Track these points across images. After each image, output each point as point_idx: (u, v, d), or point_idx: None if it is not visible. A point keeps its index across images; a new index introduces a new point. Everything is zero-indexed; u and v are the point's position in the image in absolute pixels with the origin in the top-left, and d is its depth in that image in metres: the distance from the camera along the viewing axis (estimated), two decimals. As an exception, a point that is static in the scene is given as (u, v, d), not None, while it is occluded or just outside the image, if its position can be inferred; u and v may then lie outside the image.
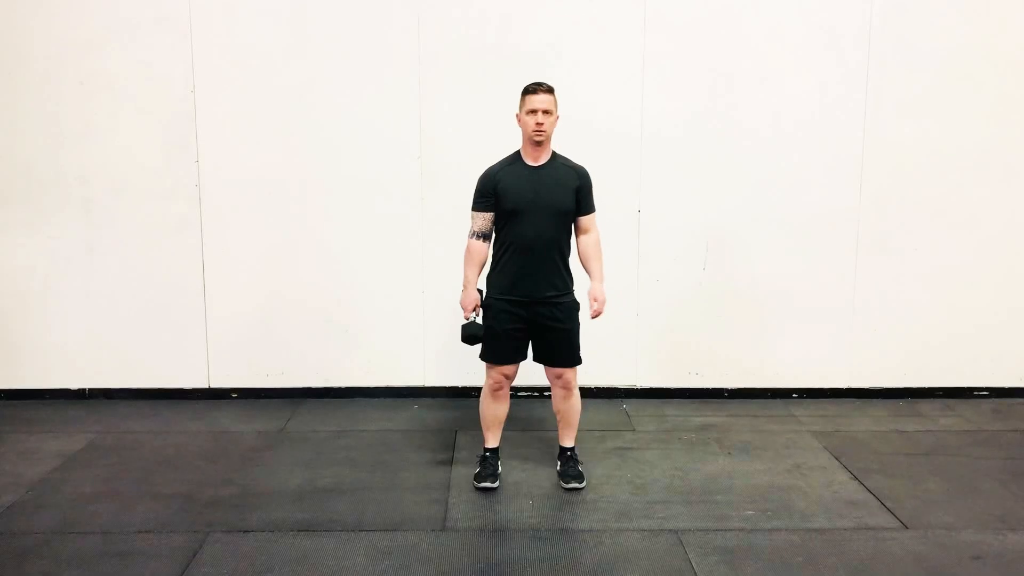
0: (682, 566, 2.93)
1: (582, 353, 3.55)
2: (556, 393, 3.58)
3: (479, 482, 3.53)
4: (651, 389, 4.70)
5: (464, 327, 3.45)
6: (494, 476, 3.56)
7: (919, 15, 4.43)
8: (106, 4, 4.37)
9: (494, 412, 3.60)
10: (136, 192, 4.50)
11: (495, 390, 3.54)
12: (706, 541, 3.10)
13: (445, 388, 4.70)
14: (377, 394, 4.69)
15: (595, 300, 3.46)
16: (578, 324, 3.51)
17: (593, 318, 3.50)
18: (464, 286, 3.49)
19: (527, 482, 3.60)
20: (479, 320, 3.47)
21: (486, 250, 3.49)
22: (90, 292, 4.56)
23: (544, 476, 3.66)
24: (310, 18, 4.40)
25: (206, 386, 4.68)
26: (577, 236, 3.52)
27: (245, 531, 3.17)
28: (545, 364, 3.53)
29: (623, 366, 4.68)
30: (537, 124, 3.32)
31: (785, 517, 3.30)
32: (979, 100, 4.49)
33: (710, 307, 4.63)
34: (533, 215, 3.38)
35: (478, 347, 3.51)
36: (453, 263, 4.53)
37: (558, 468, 3.65)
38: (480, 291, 3.51)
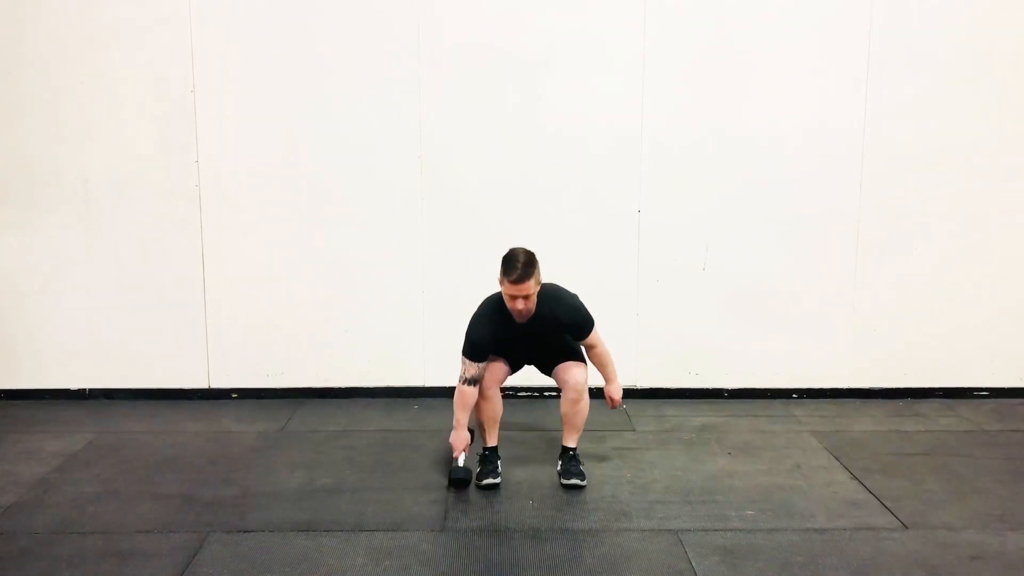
0: (682, 566, 2.93)
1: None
2: (566, 396, 3.58)
3: (481, 480, 3.54)
4: (651, 389, 4.70)
5: (453, 470, 3.52)
6: (495, 473, 3.57)
7: (919, 15, 4.43)
8: (106, 4, 4.37)
9: (489, 412, 3.61)
10: (136, 192, 4.50)
11: (485, 389, 3.55)
12: (706, 541, 3.10)
13: (445, 388, 4.68)
14: (377, 394, 4.69)
15: (611, 399, 3.69)
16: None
17: (611, 408, 3.73)
18: (455, 427, 3.54)
19: (527, 482, 3.60)
20: (467, 462, 3.55)
21: (476, 394, 3.52)
22: (90, 292, 4.56)
23: (544, 476, 3.66)
24: (310, 18, 4.40)
25: (206, 386, 4.68)
26: (585, 351, 3.61)
27: (245, 531, 3.17)
28: (553, 368, 3.60)
29: (623, 366, 4.64)
30: (518, 311, 3.36)
31: (785, 517, 3.30)
32: (979, 100, 4.49)
33: (710, 307, 4.63)
34: (528, 352, 3.64)
35: (470, 485, 3.55)
36: (453, 263, 4.55)
37: (559, 467, 3.65)
38: (471, 431, 3.57)
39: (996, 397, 4.71)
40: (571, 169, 4.50)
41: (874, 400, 4.67)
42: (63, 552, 3.01)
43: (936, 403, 4.64)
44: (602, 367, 3.63)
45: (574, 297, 3.52)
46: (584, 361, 3.60)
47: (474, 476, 3.57)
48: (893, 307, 4.63)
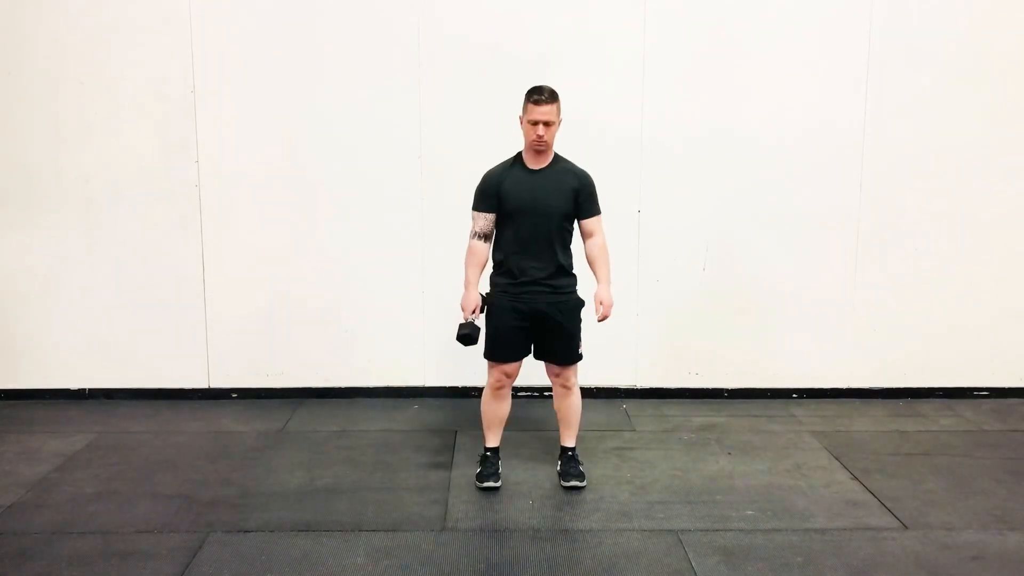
0: (682, 566, 2.93)
1: (583, 352, 3.56)
2: (556, 391, 3.59)
3: (481, 482, 3.53)
4: (651, 389, 4.70)
5: (461, 326, 3.40)
6: (496, 476, 3.56)
7: (919, 15, 4.43)
8: (106, 4, 4.37)
9: (495, 411, 3.60)
10: (136, 192, 4.50)
11: (497, 389, 3.54)
12: (706, 541, 3.10)
13: (445, 388, 4.70)
14: (377, 394, 4.69)
15: (600, 304, 3.44)
16: (580, 323, 3.52)
17: (600, 321, 3.47)
18: (465, 286, 3.48)
19: (527, 482, 3.60)
20: (478, 322, 3.45)
21: (487, 250, 3.49)
22: (90, 292, 4.56)
23: (544, 476, 3.66)
24: (310, 18, 4.40)
25: (206, 386, 4.68)
26: (583, 240, 3.51)
27: (245, 531, 3.17)
28: (544, 360, 3.55)
29: (623, 366, 4.68)
30: (538, 136, 3.32)
31: (785, 517, 3.30)
32: (979, 100, 4.49)
33: (710, 307, 4.63)
34: (532, 217, 3.39)
35: (478, 347, 3.49)
36: (453, 263, 4.53)
37: (558, 468, 3.65)
38: (481, 294, 3.49)
39: (996, 397, 4.72)
40: (571, 169, 4.50)
41: (874, 400, 4.68)
42: (63, 552, 3.01)
43: (936, 403, 4.65)
44: (596, 264, 3.47)
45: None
46: (576, 360, 3.53)
47: (477, 476, 3.57)
48: (893, 307, 4.64)
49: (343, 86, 4.45)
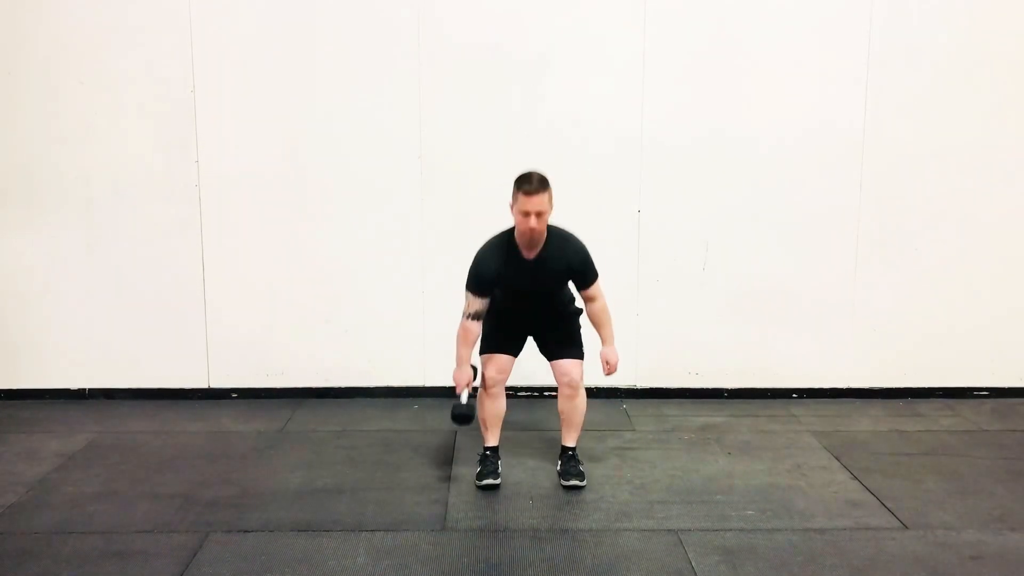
0: (682, 566, 2.93)
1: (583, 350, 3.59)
2: (562, 392, 3.59)
3: (481, 480, 3.54)
4: (651, 389, 4.70)
5: (455, 406, 3.47)
6: (495, 474, 3.56)
7: (919, 15, 4.43)
8: (106, 4, 4.37)
9: (492, 411, 3.61)
10: (136, 192, 4.50)
11: (490, 387, 3.56)
12: (706, 541, 3.10)
13: (445, 388, 4.67)
14: (377, 394, 4.69)
15: (607, 363, 3.54)
16: (578, 325, 3.59)
17: (606, 375, 3.59)
18: (458, 363, 3.49)
19: (527, 482, 3.60)
20: (470, 399, 3.49)
21: (480, 329, 3.49)
22: (90, 292, 4.56)
23: (544, 476, 3.66)
24: (310, 18, 4.40)
25: (206, 386, 4.68)
26: (584, 304, 3.56)
27: (245, 531, 3.17)
28: (551, 358, 3.57)
29: (623, 366, 4.63)
30: (531, 228, 3.31)
31: (785, 517, 3.30)
32: (978, 100, 4.49)
33: (710, 307, 4.63)
34: (529, 297, 3.52)
35: (472, 423, 3.52)
36: (453, 263, 4.53)
37: (558, 467, 3.65)
38: (474, 367, 3.53)
39: (996, 397, 4.71)
40: (571, 169, 4.50)
41: (874, 400, 4.68)
42: (63, 552, 3.01)
43: (936, 403, 4.64)
44: (600, 325, 3.55)
45: (583, 243, 3.49)
46: (582, 357, 3.58)
47: (477, 476, 3.57)
48: (893, 307, 4.64)
49: (343, 86, 4.45)
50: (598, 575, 2.88)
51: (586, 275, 3.47)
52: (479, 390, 3.60)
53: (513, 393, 4.53)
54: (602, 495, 3.48)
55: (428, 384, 4.69)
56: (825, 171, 4.53)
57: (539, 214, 3.29)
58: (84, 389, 4.67)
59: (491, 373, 3.54)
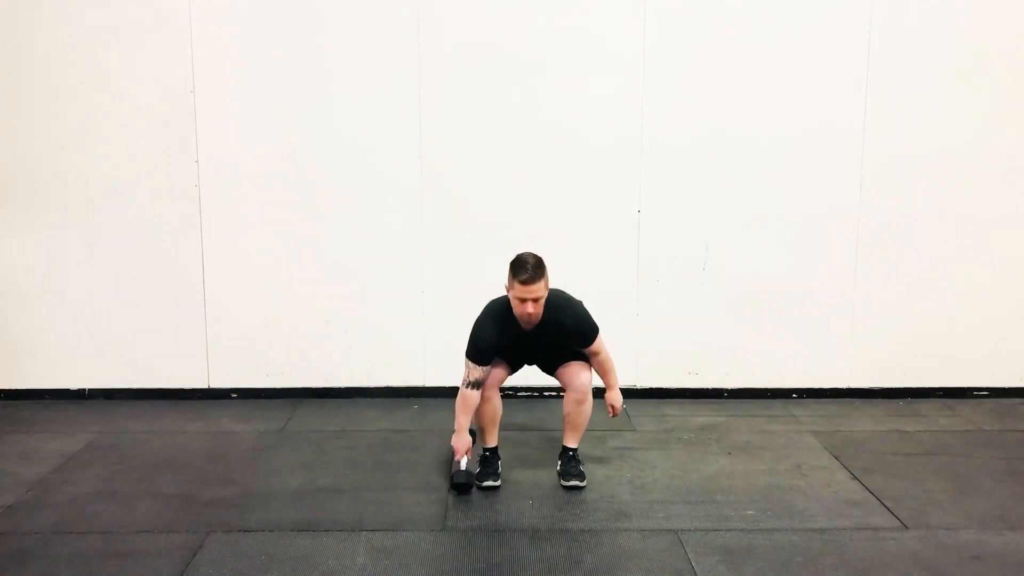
0: (682, 566, 2.93)
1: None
2: (571, 396, 3.58)
3: (481, 481, 3.54)
4: (651, 389, 4.70)
5: (455, 475, 3.48)
6: (496, 474, 3.56)
7: (919, 15, 4.43)
8: (106, 4, 4.37)
9: (485, 412, 3.59)
10: (136, 192, 4.50)
11: (484, 389, 3.53)
12: (706, 541, 3.10)
13: (445, 388, 4.69)
14: (377, 394, 4.69)
15: (612, 407, 3.66)
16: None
17: (612, 417, 3.71)
18: (457, 430, 3.50)
19: (527, 482, 3.60)
20: (469, 465, 3.50)
21: (479, 397, 3.49)
22: (90, 292, 4.56)
23: (544, 476, 3.66)
24: (310, 19, 4.40)
25: (206, 386, 4.68)
26: (589, 358, 3.59)
27: (245, 531, 3.17)
28: (557, 370, 3.61)
29: (623, 366, 4.63)
30: (528, 315, 3.33)
31: (785, 517, 3.30)
32: (979, 100, 4.49)
33: (710, 307, 4.63)
34: (530, 361, 3.67)
35: (471, 491, 3.53)
36: (453, 263, 4.55)
37: (559, 467, 3.65)
38: (472, 433, 3.54)
39: (996, 397, 4.71)
40: (571, 169, 4.50)
41: (874, 400, 4.67)
42: (63, 552, 3.01)
43: (936, 403, 4.64)
44: (604, 374, 3.63)
45: (580, 305, 3.51)
46: (588, 361, 3.59)
47: (475, 477, 3.57)
48: (893, 307, 4.63)
49: (343, 86, 4.44)
50: (598, 575, 2.88)
51: (586, 337, 3.50)
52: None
53: (513, 393, 4.53)
54: (602, 495, 3.48)
55: (428, 384, 4.69)
56: (825, 171, 4.53)
57: (536, 300, 3.31)
58: (84, 389, 4.67)
59: (480, 375, 3.47)
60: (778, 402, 4.65)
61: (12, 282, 4.56)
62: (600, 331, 3.52)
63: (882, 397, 4.70)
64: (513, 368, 3.67)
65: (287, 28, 4.41)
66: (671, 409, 4.53)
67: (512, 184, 4.51)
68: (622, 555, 3.01)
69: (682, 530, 3.18)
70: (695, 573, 2.88)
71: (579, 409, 3.58)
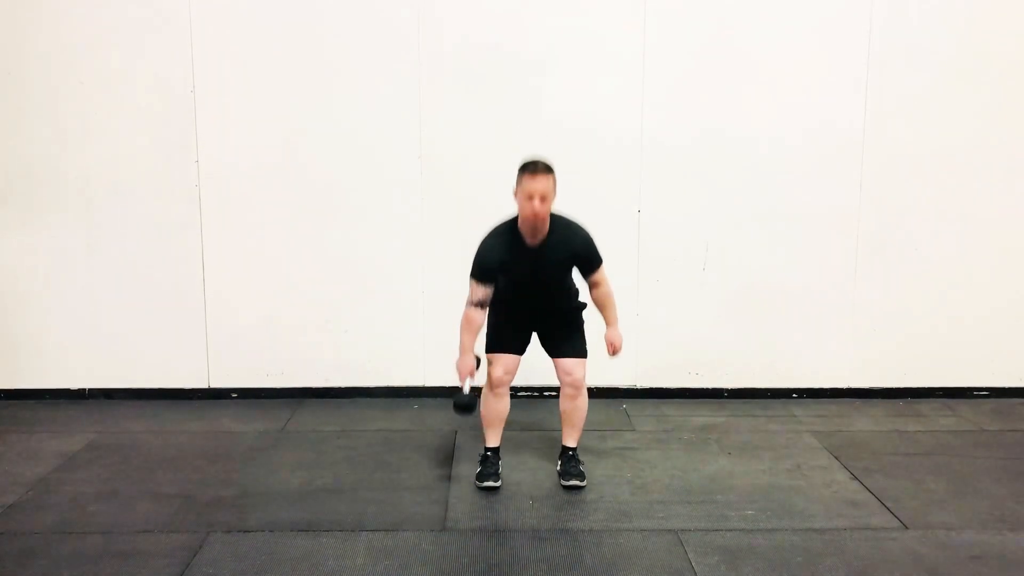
0: (682, 566, 2.93)
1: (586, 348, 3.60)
2: (564, 392, 3.58)
3: (481, 481, 3.53)
4: (651, 389, 4.70)
5: (457, 395, 3.44)
6: (496, 475, 3.56)
7: (919, 15, 4.43)
8: (106, 4, 4.37)
9: (495, 411, 3.60)
10: (136, 192, 4.50)
11: (496, 387, 3.55)
12: (706, 541, 3.10)
13: (445, 388, 4.69)
14: (377, 394, 4.69)
15: (611, 344, 3.55)
16: (582, 321, 3.59)
17: (611, 356, 3.59)
18: (461, 351, 3.46)
19: (527, 482, 3.60)
20: (472, 389, 3.46)
21: (484, 316, 3.47)
22: (90, 292, 4.56)
23: (544, 476, 3.66)
24: (310, 18, 4.40)
25: (206, 386, 4.68)
26: (589, 289, 3.56)
27: (245, 531, 3.17)
28: (555, 356, 3.57)
29: (623, 366, 4.67)
30: (534, 212, 3.30)
31: (785, 517, 3.30)
32: (979, 100, 4.49)
33: (710, 307, 4.63)
34: (533, 287, 3.49)
35: (474, 412, 3.50)
36: (453, 263, 4.53)
37: (558, 467, 3.65)
38: (477, 357, 3.51)
39: (996, 397, 4.72)
40: (571, 169, 4.46)
41: (874, 400, 4.68)
42: (63, 552, 3.01)
43: (936, 403, 4.64)
44: (604, 308, 3.56)
45: (586, 230, 3.49)
46: (585, 356, 3.58)
47: (475, 476, 3.58)
48: (893, 306, 4.64)
49: (343, 86, 4.45)
50: (598, 575, 2.88)
51: (591, 261, 3.47)
52: (484, 389, 3.59)
53: (513, 393, 4.51)
54: (602, 495, 3.48)
55: (428, 384, 4.69)
56: (825, 171, 4.53)
57: (543, 197, 3.29)
58: (84, 389, 4.67)
59: (498, 373, 3.53)
60: (778, 402, 4.65)
61: (12, 282, 4.57)
62: (604, 263, 3.51)
63: (882, 397, 4.70)
64: (521, 342, 3.56)
65: (287, 28, 4.41)
66: (671, 409, 4.53)
67: (512, 184, 4.49)
68: (622, 555, 3.01)
69: (682, 530, 3.18)
70: (695, 573, 2.89)
71: (575, 405, 3.58)
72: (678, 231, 4.57)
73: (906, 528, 3.21)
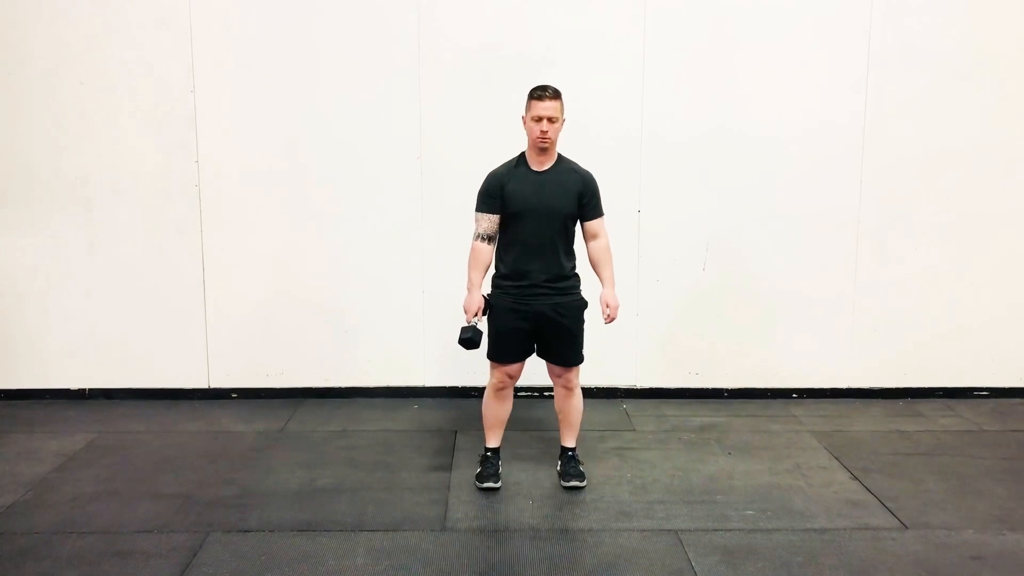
0: (682, 566, 2.93)
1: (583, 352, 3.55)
2: (558, 392, 3.58)
3: (481, 482, 3.53)
4: (651, 389, 4.70)
5: (463, 330, 3.38)
6: (496, 476, 3.56)
7: (919, 15, 4.43)
8: (106, 4, 4.37)
9: (497, 412, 3.59)
10: (136, 192, 4.50)
11: (499, 389, 3.54)
12: (706, 541, 3.10)
13: (445, 388, 4.70)
14: (377, 394, 4.69)
15: (607, 306, 3.45)
16: (583, 324, 3.52)
17: (607, 323, 3.50)
18: (468, 288, 3.44)
19: (527, 482, 3.60)
20: (481, 325, 3.43)
21: (491, 252, 3.45)
22: (90, 292, 4.56)
23: (544, 476, 3.66)
24: (310, 18, 4.40)
25: (206, 386, 4.68)
26: (586, 242, 3.50)
27: (245, 531, 3.17)
28: (547, 360, 3.53)
29: (623, 366, 4.68)
30: (542, 132, 3.29)
31: (785, 517, 3.30)
32: (978, 100, 4.50)
33: (710, 307, 4.63)
34: (536, 219, 3.38)
35: (480, 348, 3.47)
36: (453, 263, 4.53)
37: (558, 468, 3.65)
38: (484, 295, 3.46)
39: (996, 397, 4.72)
40: (571, 169, 4.50)
41: (874, 400, 4.68)
42: (63, 552, 3.01)
43: (936, 403, 4.65)
44: (600, 266, 3.50)
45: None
46: (580, 362, 3.53)
47: (475, 476, 3.58)
48: (893, 307, 4.64)
49: (343, 86, 4.45)
50: (598, 575, 2.88)
51: (594, 202, 3.46)
52: (486, 390, 3.59)
53: (514, 393, 4.52)
54: (602, 495, 3.48)
55: (428, 384, 4.69)
56: (825, 170, 4.53)
57: (551, 119, 3.28)
58: (84, 389, 4.67)
59: (501, 376, 3.50)
60: (778, 402, 4.65)
61: (12, 282, 4.57)
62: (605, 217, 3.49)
63: (882, 397, 4.70)
64: (522, 351, 3.48)
65: (287, 28, 4.41)
66: (671, 409, 4.53)
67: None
68: (622, 555, 3.01)
69: (682, 530, 3.18)
70: (695, 573, 2.89)
71: (570, 404, 3.57)
72: (678, 231, 4.57)
73: (906, 528, 3.21)
